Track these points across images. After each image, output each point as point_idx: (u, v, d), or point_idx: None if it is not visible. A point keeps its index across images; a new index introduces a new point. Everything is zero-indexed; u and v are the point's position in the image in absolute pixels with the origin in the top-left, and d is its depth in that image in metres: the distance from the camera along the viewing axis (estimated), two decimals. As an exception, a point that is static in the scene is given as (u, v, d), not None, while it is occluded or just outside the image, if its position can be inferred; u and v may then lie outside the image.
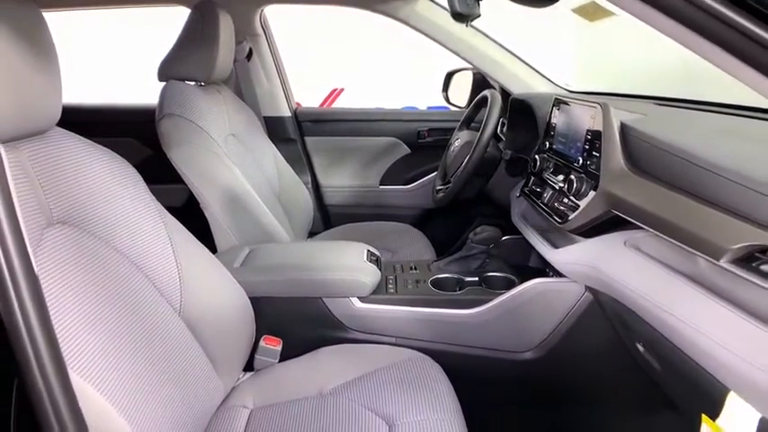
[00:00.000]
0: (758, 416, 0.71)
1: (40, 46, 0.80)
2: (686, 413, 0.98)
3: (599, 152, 1.12)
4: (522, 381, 1.33)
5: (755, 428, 0.71)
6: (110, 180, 0.97)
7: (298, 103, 2.37)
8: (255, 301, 1.22)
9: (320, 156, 2.30)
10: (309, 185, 2.24)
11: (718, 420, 0.77)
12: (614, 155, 1.05)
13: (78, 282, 0.82)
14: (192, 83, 1.64)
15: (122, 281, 0.92)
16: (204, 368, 1.07)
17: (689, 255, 0.84)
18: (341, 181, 2.31)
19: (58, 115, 0.87)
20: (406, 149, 2.28)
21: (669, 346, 0.87)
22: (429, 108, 2.66)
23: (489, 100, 1.58)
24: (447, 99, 2.25)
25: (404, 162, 2.29)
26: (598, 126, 1.13)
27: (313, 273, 1.32)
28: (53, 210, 0.84)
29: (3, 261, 0.50)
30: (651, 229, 0.92)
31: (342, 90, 5.44)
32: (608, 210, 1.04)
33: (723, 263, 0.74)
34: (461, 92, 2.22)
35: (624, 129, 1.07)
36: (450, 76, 2.23)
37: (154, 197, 1.07)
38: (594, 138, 1.15)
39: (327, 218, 2.33)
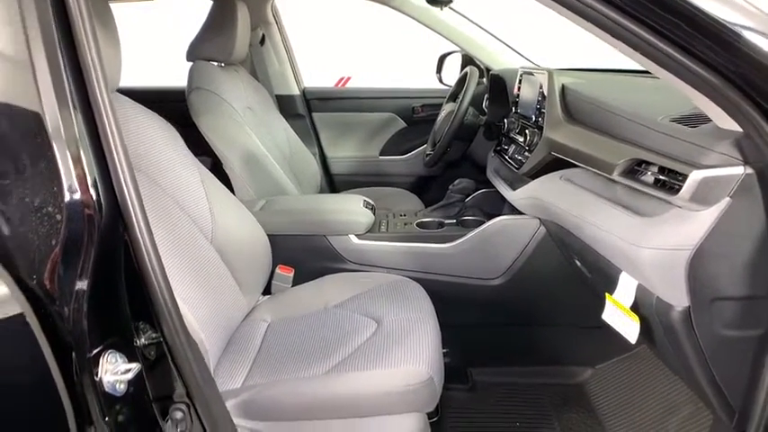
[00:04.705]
0: (635, 283, 0.97)
1: (107, 29, 1.07)
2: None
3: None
4: (493, 304, 1.59)
5: (634, 292, 0.98)
6: (157, 135, 1.25)
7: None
8: (272, 238, 1.49)
9: (326, 130, 2.57)
10: (317, 156, 2.51)
11: (614, 294, 1.03)
12: (554, 109, 1.31)
13: None
14: (215, 63, 1.91)
15: (168, 213, 1.19)
16: (232, 287, 1.34)
17: (606, 181, 1.10)
18: (345, 152, 2.58)
19: (119, 82, 1.14)
20: (402, 123, 2.56)
21: (589, 250, 1.14)
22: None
23: (468, 76, 1.84)
24: (440, 80, 2.47)
25: (400, 135, 2.56)
26: (546, 89, 1.39)
27: (318, 215, 1.60)
28: None
29: (122, 179, 0.76)
30: (575, 161, 1.18)
31: (349, 78, 5.69)
32: (549, 152, 1.31)
33: (615, 176, 1.01)
34: (453, 72, 2.45)
35: (564, 89, 1.33)
36: (442, 58, 2.46)
37: (190, 151, 1.34)
38: (544, 98, 1.41)
39: (333, 185, 2.61)
